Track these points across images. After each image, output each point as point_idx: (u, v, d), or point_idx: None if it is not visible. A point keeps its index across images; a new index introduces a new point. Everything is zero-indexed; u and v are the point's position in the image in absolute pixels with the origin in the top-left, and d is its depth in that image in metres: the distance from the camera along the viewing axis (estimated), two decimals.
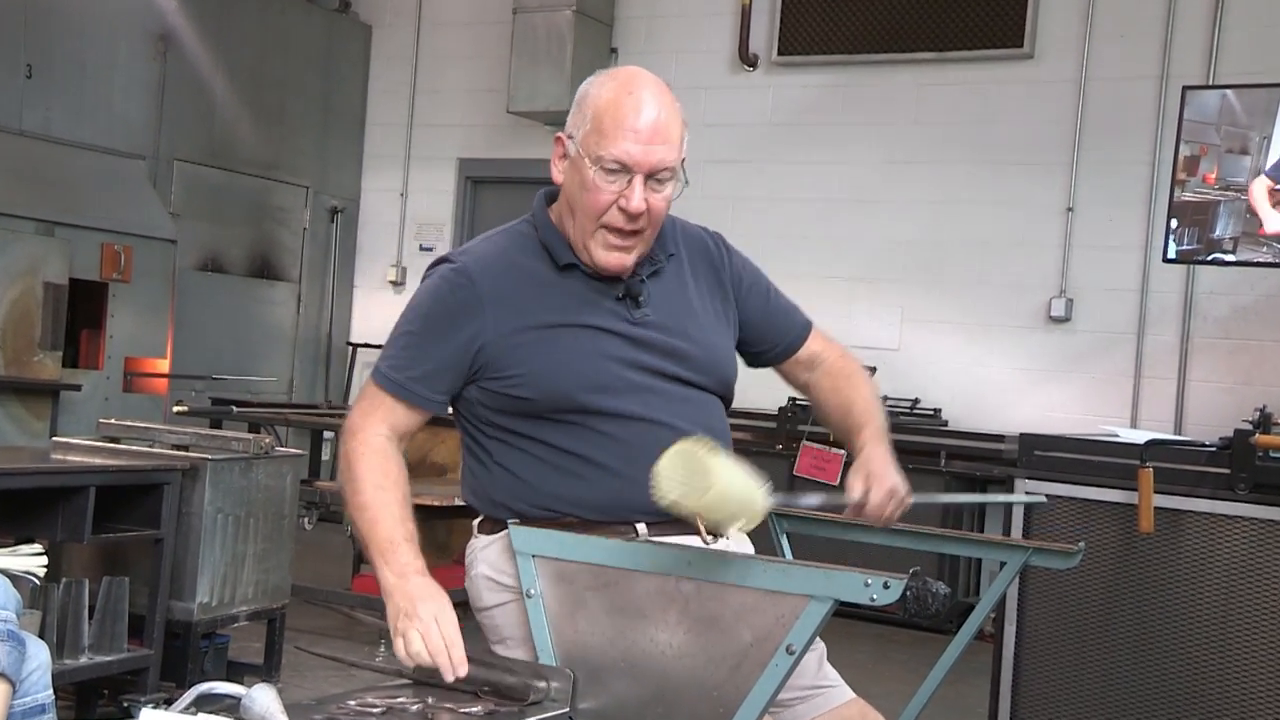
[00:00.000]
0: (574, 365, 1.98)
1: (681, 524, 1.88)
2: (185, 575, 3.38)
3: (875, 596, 1.54)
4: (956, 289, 6.35)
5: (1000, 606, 3.70)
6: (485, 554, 2.06)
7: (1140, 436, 4.03)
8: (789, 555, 2.55)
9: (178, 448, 3.56)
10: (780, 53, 6.81)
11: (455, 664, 1.80)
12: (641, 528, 1.98)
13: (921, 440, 5.58)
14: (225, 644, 3.60)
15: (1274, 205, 3.96)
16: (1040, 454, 3.83)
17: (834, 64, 6.63)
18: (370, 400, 2.02)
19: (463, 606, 1.95)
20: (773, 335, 2.24)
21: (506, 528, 1.97)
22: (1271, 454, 3.44)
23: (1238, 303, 5.65)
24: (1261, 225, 4.03)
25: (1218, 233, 4.15)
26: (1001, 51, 6.14)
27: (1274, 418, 3.59)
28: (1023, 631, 3.72)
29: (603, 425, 1.97)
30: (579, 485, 1.98)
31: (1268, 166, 3.97)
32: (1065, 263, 6.15)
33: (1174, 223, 4.29)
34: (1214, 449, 3.73)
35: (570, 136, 2.00)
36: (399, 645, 1.83)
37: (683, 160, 1.99)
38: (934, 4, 6.34)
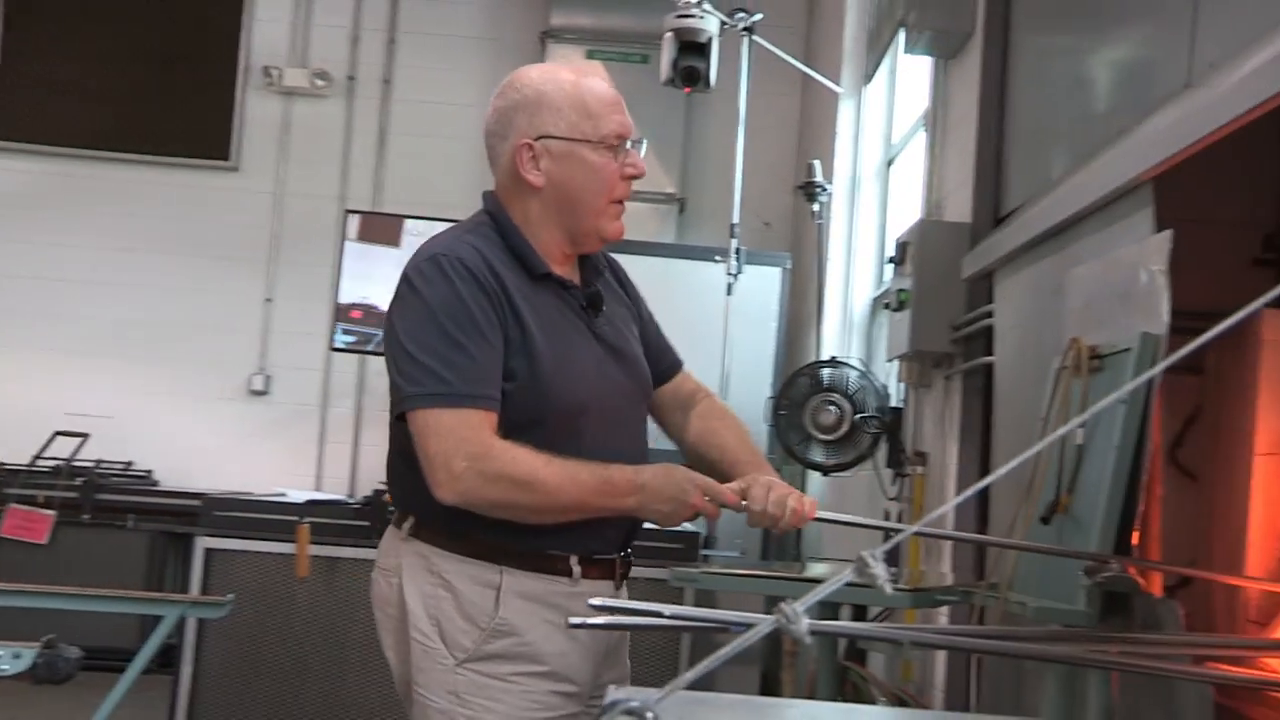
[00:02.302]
0: (561, 373, 1.95)
1: (607, 566, 2.02)
2: None
3: (7, 667, 1.70)
4: (171, 364, 6.94)
5: (179, 646, 4.14)
6: (448, 573, 1.98)
7: (302, 496, 4.77)
8: None
9: None
10: None
11: (724, 494, 1.90)
12: (575, 566, 1.99)
13: (123, 499, 6.07)
14: None
15: None
16: (220, 513, 4.34)
17: (50, 154, 6.98)
18: (464, 428, 1.86)
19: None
20: (655, 358, 2.20)
21: (457, 539, 1.94)
22: None
23: None
24: None
25: None
26: (210, 162, 6.96)
27: None
28: (201, 664, 4.18)
29: (575, 435, 1.94)
30: None
31: None
32: (265, 344, 7.05)
33: (339, 322, 5.35)
34: (358, 505, 4.63)
35: (546, 136, 1.98)
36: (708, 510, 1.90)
37: None
38: (146, 113, 7.01)
